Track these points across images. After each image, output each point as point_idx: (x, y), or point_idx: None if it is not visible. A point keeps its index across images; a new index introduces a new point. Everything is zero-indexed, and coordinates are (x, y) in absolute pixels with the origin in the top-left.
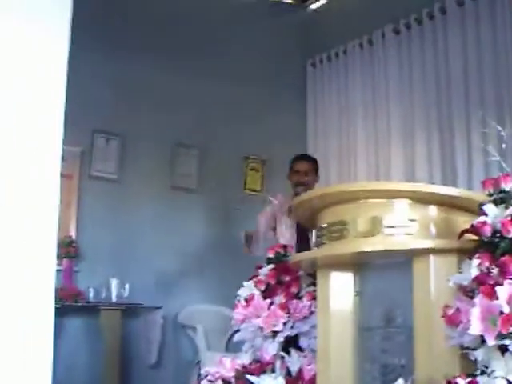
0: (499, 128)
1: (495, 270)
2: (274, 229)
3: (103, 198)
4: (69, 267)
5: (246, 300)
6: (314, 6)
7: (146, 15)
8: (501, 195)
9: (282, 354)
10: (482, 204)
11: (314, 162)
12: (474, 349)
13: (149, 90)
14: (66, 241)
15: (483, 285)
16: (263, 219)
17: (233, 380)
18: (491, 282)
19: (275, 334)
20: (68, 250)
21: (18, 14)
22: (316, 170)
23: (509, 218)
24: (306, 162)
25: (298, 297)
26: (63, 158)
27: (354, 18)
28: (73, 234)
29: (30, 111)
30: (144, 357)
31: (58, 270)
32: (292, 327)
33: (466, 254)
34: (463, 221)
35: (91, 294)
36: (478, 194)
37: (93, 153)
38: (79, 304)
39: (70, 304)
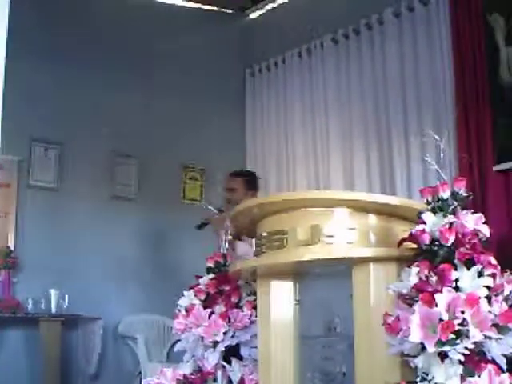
0: (436, 137)
1: (434, 278)
2: None
3: (42, 208)
4: (7, 278)
5: (187, 310)
6: (253, 16)
7: (84, 25)
8: (439, 204)
9: (224, 363)
10: (420, 212)
11: (243, 176)
12: (414, 356)
13: (87, 99)
14: (4, 251)
15: (422, 292)
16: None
17: None
18: (430, 290)
19: (216, 343)
20: (6, 261)
21: None
22: (248, 184)
23: (447, 227)
24: (232, 178)
25: (238, 306)
26: (1, 167)
27: (293, 27)
28: (11, 244)
29: None
30: (83, 368)
31: None
32: (233, 336)
33: (405, 262)
34: (402, 229)
35: (30, 306)
36: (417, 203)
37: (31, 162)
38: (18, 315)
39: (8, 315)
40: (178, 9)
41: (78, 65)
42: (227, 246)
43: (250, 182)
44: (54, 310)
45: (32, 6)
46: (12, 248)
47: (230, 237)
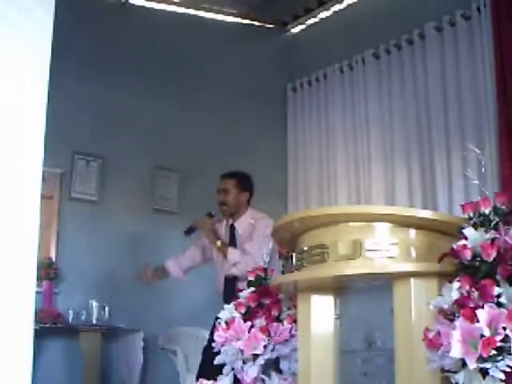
0: (478, 152)
1: (475, 293)
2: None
3: (83, 220)
4: (48, 289)
5: (227, 323)
6: (294, 31)
7: (126, 39)
8: (480, 219)
9: (263, 376)
10: (461, 228)
11: (235, 178)
12: (454, 372)
13: (129, 113)
14: (46, 262)
15: (463, 308)
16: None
17: None
18: (471, 305)
19: (256, 356)
20: (48, 272)
21: None
22: (241, 185)
23: (489, 242)
24: (225, 180)
25: (278, 320)
26: (43, 179)
27: (334, 42)
28: (53, 255)
29: (10, 132)
30: (126, 380)
31: (37, 292)
32: (272, 350)
33: (446, 277)
34: (444, 244)
35: (70, 316)
36: (458, 218)
37: (73, 174)
38: (58, 326)
39: (49, 326)
40: (219, 24)
41: (119, 79)
42: (217, 252)
43: (243, 183)
44: (94, 321)
45: (76, 23)
46: (53, 259)
47: (219, 242)
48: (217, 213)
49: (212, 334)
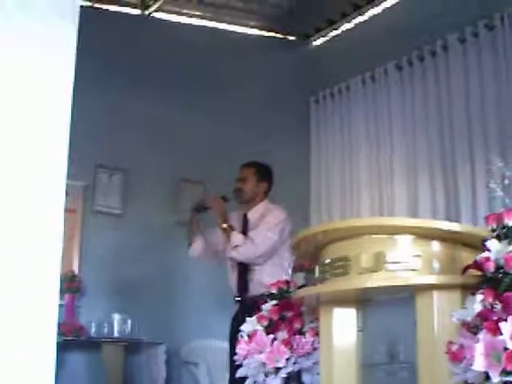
0: (502, 164)
1: (499, 306)
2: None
3: (106, 233)
4: (71, 302)
5: (249, 336)
6: (316, 43)
7: (151, 51)
8: (504, 231)
9: None
10: (485, 240)
11: (256, 166)
12: None
13: (152, 125)
14: (69, 275)
15: (487, 320)
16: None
17: None
18: (495, 318)
19: (278, 369)
20: (70, 285)
21: (23, 48)
22: (260, 174)
23: None
24: (244, 168)
25: (300, 332)
26: (66, 193)
27: (357, 54)
28: (75, 268)
29: (34, 145)
30: None
31: (59, 305)
32: (295, 363)
33: (469, 289)
34: (466, 256)
35: (93, 329)
36: (481, 230)
37: (96, 187)
38: (81, 339)
39: (71, 339)
40: (241, 36)
41: (143, 91)
42: (224, 235)
43: (262, 172)
44: (116, 334)
45: (100, 35)
46: (76, 272)
47: (225, 225)
48: (231, 198)
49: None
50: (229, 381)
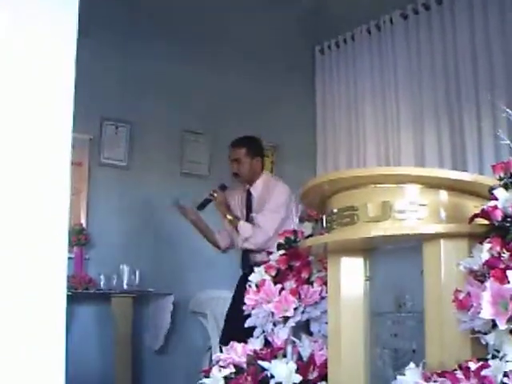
0: (509, 112)
1: (506, 255)
2: None
3: (113, 185)
4: (79, 255)
5: (257, 285)
6: None
7: (154, 5)
8: (511, 179)
9: (293, 339)
10: (492, 188)
11: (246, 146)
12: (485, 333)
13: (157, 77)
14: (77, 228)
15: (494, 269)
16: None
17: (244, 365)
18: (502, 266)
19: (286, 319)
20: (78, 238)
21: (25, 6)
22: (252, 151)
23: None
24: (235, 149)
25: (308, 282)
26: (73, 146)
27: (362, 3)
28: (83, 221)
29: (38, 99)
30: (149, 342)
31: (68, 258)
32: (303, 312)
33: (476, 238)
34: (474, 205)
35: (102, 282)
36: (489, 179)
37: (102, 140)
38: (90, 291)
39: (81, 291)
40: None
41: (147, 44)
42: (230, 226)
43: (253, 149)
44: (125, 286)
45: None
46: (84, 225)
47: (230, 216)
48: (229, 186)
49: (234, 297)
50: (222, 331)
